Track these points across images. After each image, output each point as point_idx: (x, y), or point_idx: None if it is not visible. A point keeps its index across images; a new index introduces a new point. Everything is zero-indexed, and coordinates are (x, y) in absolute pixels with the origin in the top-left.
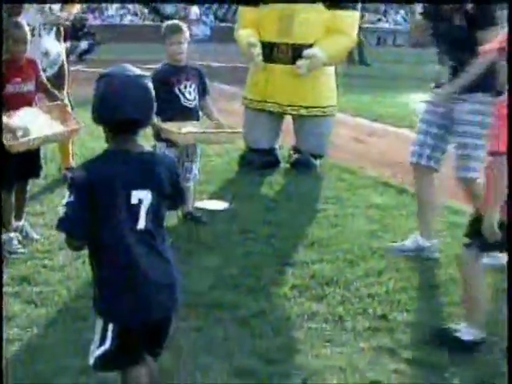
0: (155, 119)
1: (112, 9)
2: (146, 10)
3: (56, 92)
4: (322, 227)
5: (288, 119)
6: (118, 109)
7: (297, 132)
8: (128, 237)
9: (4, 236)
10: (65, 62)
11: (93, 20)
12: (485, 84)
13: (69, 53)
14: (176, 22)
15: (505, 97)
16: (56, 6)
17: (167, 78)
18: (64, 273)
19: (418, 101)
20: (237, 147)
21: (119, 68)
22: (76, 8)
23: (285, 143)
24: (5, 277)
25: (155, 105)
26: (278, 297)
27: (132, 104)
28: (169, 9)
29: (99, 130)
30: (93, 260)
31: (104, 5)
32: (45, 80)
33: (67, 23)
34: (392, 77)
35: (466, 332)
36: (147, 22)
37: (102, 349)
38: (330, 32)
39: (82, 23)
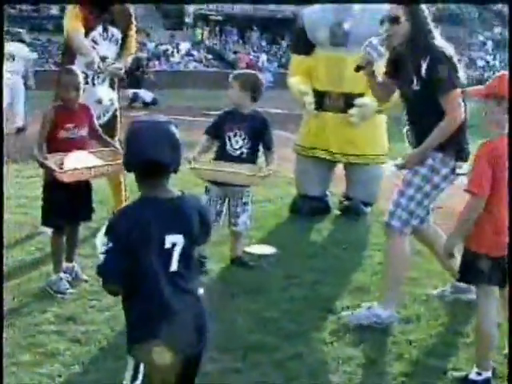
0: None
1: (178, 55)
2: (210, 57)
3: (109, 139)
4: (367, 274)
5: (340, 166)
6: (141, 151)
7: (347, 179)
8: (161, 280)
9: (54, 276)
10: (117, 110)
11: (158, 66)
12: (447, 145)
13: (132, 101)
14: (244, 71)
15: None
16: (111, 56)
17: (221, 123)
18: (110, 313)
19: (390, 166)
20: (289, 193)
21: (147, 117)
22: (130, 58)
23: (336, 190)
24: (50, 315)
25: (182, 149)
26: (317, 341)
27: (155, 146)
28: (232, 56)
29: None
30: (126, 303)
31: (170, 51)
32: (98, 127)
33: (121, 73)
34: None
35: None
36: (211, 69)
37: None
38: None
39: (142, 70)
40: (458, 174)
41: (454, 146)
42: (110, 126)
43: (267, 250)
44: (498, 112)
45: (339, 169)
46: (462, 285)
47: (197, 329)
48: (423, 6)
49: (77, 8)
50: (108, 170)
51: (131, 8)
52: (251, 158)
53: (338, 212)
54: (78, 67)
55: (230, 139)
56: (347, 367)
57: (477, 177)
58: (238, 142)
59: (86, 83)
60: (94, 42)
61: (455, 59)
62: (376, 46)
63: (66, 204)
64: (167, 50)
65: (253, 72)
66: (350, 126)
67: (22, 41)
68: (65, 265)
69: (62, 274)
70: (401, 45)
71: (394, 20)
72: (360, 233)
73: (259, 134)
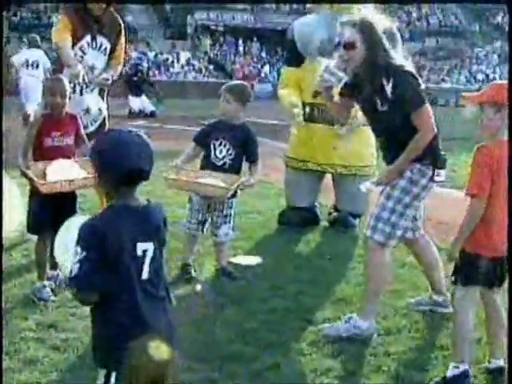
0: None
1: (178, 65)
2: (211, 67)
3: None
4: (350, 285)
5: (328, 177)
6: (125, 160)
7: (336, 191)
8: (135, 288)
9: (38, 284)
10: (106, 120)
11: (158, 76)
12: (423, 155)
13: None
14: (235, 82)
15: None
16: (99, 65)
17: (208, 132)
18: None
19: (367, 183)
20: (280, 205)
21: (116, 129)
22: (119, 68)
23: (325, 201)
24: (31, 323)
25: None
26: (295, 352)
27: (136, 155)
28: (233, 66)
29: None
30: (97, 312)
31: (169, 61)
32: (84, 136)
33: (109, 83)
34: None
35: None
36: (211, 79)
37: None
38: None
39: (142, 77)
40: (437, 182)
41: (431, 155)
42: (98, 135)
43: (253, 260)
44: (497, 119)
45: (328, 180)
46: (440, 299)
47: (167, 337)
48: (376, 28)
49: (66, 18)
50: (88, 183)
51: (130, 17)
52: (235, 168)
53: (327, 223)
54: (65, 76)
55: (214, 148)
56: (325, 379)
57: (476, 179)
58: (221, 152)
59: (74, 92)
60: (82, 51)
61: (415, 74)
62: (333, 70)
63: (50, 212)
64: (167, 59)
65: (243, 83)
66: (338, 138)
67: (39, 47)
68: (50, 272)
69: (45, 282)
70: (358, 68)
71: (350, 45)
72: (347, 244)
73: (244, 144)
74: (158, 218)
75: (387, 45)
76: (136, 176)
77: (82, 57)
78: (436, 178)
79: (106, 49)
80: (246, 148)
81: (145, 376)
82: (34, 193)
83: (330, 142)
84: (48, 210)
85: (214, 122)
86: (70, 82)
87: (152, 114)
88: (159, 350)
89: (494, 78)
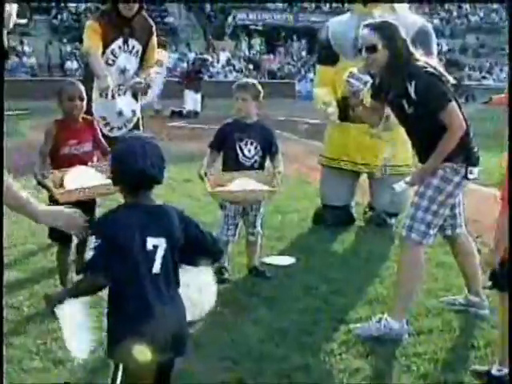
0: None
1: (218, 65)
2: (250, 67)
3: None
4: (384, 285)
5: (364, 176)
6: (133, 165)
7: (371, 190)
8: (143, 280)
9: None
10: (140, 121)
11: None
12: (456, 153)
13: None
14: (247, 80)
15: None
16: (131, 68)
17: (229, 133)
18: None
19: (401, 184)
20: (315, 204)
21: (130, 135)
22: (151, 71)
23: (361, 200)
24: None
25: (164, 164)
26: (325, 352)
27: (149, 162)
28: (273, 66)
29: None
30: (108, 304)
31: (210, 61)
32: (102, 140)
33: (142, 86)
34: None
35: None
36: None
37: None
38: None
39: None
40: (471, 179)
41: (463, 153)
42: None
43: (286, 260)
44: None
45: (364, 178)
46: (476, 299)
47: (176, 332)
48: (400, 30)
49: (96, 22)
50: (106, 190)
51: (171, 18)
52: (262, 165)
53: (362, 223)
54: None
55: (241, 149)
56: (353, 379)
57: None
58: (250, 151)
59: (106, 96)
60: (114, 55)
61: (440, 73)
62: (358, 75)
63: None
64: (207, 59)
65: (253, 80)
66: (373, 137)
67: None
68: (75, 277)
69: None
70: (382, 71)
71: (371, 49)
72: (382, 244)
73: (266, 139)
74: (171, 217)
75: (411, 46)
76: (146, 181)
77: (114, 60)
78: (469, 176)
79: (137, 51)
80: (268, 142)
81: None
82: (53, 200)
83: (366, 142)
84: None
85: (229, 123)
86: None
87: (196, 114)
88: (142, 352)
89: None
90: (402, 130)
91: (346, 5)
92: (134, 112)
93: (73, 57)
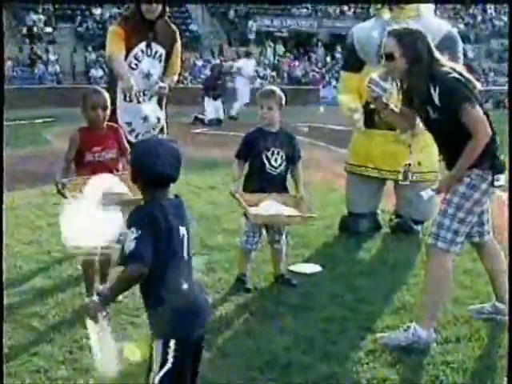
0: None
1: None
2: (274, 74)
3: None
4: (411, 293)
5: (390, 182)
6: (154, 165)
7: (397, 197)
8: (180, 264)
9: (87, 299)
10: (165, 128)
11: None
12: (482, 160)
13: (196, 119)
14: (271, 87)
15: None
16: (155, 73)
17: (255, 142)
18: (148, 329)
19: (428, 191)
20: (341, 212)
21: (150, 137)
22: (175, 77)
23: (387, 207)
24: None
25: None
26: (352, 361)
27: (165, 161)
28: (297, 72)
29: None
30: (148, 288)
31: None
32: (128, 147)
33: (166, 91)
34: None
35: None
36: (276, 85)
37: (165, 370)
38: None
39: (223, 82)
40: (497, 187)
41: (489, 160)
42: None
43: (312, 268)
44: None
45: (390, 185)
46: (503, 306)
47: (207, 310)
48: (423, 36)
49: (118, 27)
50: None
51: (194, 25)
52: (286, 174)
53: (388, 230)
54: (122, 87)
55: (268, 159)
56: None
57: None
58: (277, 161)
59: (130, 101)
60: (137, 59)
61: (466, 75)
62: (378, 81)
63: None
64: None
65: (276, 88)
66: (399, 144)
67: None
68: (101, 286)
69: (94, 298)
70: (403, 78)
71: (390, 57)
72: (409, 251)
73: (292, 149)
74: (185, 207)
75: (435, 52)
76: (163, 180)
77: (137, 65)
78: (496, 183)
79: (161, 55)
80: (292, 151)
81: None
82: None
83: (392, 148)
84: None
85: (254, 132)
86: (123, 95)
87: (219, 121)
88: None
89: None
90: (428, 136)
91: (371, 10)
92: (158, 119)
93: (97, 64)
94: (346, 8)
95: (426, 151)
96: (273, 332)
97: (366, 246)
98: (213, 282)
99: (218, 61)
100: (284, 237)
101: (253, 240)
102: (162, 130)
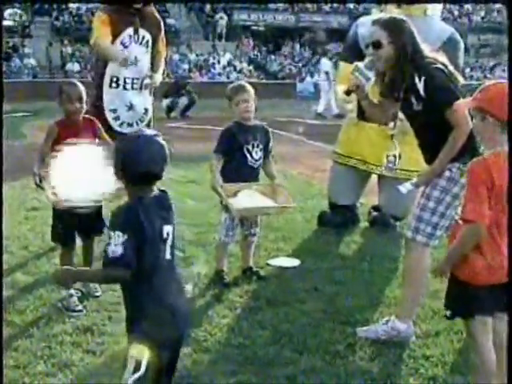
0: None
1: (219, 66)
2: (251, 68)
3: None
4: (390, 287)
5: (373, 177)
6: (138, 162)
7: (380, 191)
8: (162, 267)
9: (64, 292)
10: (151, 121)
11: (199, 77)
12: (463, 154)
13: (170, 109)
14: (240, 82)
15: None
16: (142, 58)
17: (235, 137)
18: None
19: (407, 185)
20: (320, 206)
21: (135, 131)
22: (162, 65)
23: (366, 201)
24: (68, 327)
25: (168, 159)
26: (332, 355)
27: (152, 159)
28: (274, 67)
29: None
30: (128, 290)
31: (211, 62)
32: (106, 137)
33: (157, 83)
34: None
35: None
36: (252, 80)
37: (138, 374)
38: None
39: (185, 82)
40: None
41: (470, 154)
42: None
43: (291, 262)
44: (484, 127)
45: (371, 179)
46: None
47: (186, 314)
48: (406, 24)
49: (104, 14)
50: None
51: (171, 20)
52: (261, 167)
53: (367, 224)
54: (109, 72)
55: (249, 152)
56: (360, 382)
57: (475, 203)
58: (257, 153)
59: (117, 87)
60: (123, 44)
61: (450, 68)
62: (362, 70)
63: (75, 219)
64: (208, 60)
65: (246, 82)
66: (388, 139)
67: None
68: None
69: (72, 291)
70: (389, 68)
71: (377, 45)
72: (388, 245)
73: (268, 142)
74: (170, 203)
75: (419, 43)
76: (147, 178)
77: (124, 50)
78: None
79: (148, 42)
80: (268, 144)
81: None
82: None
83: (380, 142)
84: (71, 219)
85: (233, 127)
86: (113, 77)
87: (191, 103)
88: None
89: None
90: None
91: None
92: (146, 110)
93: (74, 58)
94: (322, 1)
95: (414, 149)
96: (252, 326)
97: (345, 240)
98: (192, 277)
99: (194, 56)
100: (258, 229)
101: (232, 233)
102: (149, 124)
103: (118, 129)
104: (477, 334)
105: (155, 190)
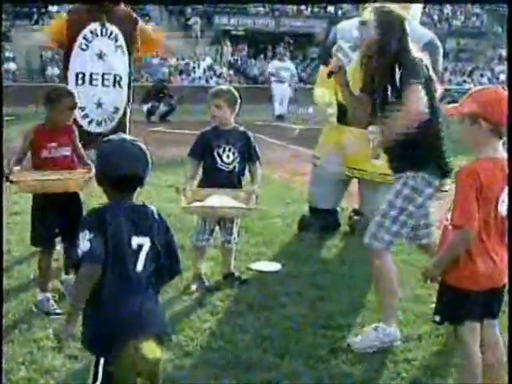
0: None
1: (199, 70)
2: (231, 72)
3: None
4: (372, 291)
5: (354, 181)
6: (117, 167)
7: (360, 196)
8: (127, 277)
9: (40, 296)
10: (126, 124)
11: (180, 81)
12: (428, 163)
13: (150, 113)
14: (222, 86)
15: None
16: (108, 52)
17: (208, 141)
18: None
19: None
20: (299, 209)
21: (116, 136)
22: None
23: (347, 205)
24: (50, 332)
25: (149, 166)
26: (314, 359)
27: (130, 162)
28: (254, 71)
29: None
30: (90, 298)
31: (191, 67)
32: (80, 148)
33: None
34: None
35: None
36: (233, 84)
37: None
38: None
39: (163, 86)
40: (443, 191)
41: (436, 163)
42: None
43: (272, 266)
44: (474, 132)
45: (352, 183)
46: None
47: (158, 330)
48: (395, 17)
49: (68, 14)
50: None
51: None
52: (242, 172)
53: (347, 228)
54: (73, 69)
55: (219, 155)
56: None
57: (464, 208)
58: (229, 157)
59: (83, 83)
60: (86, 39)
61: (431, 73)
62: (345, 50)
63: (53, 223)
64: (189, 64)
65: (230, 87)
66: (368, 143)
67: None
68: (63, 276)
69: (48, 294)
70: (371, 52)
71: (363, 23)
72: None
73: (245, 146)
74: (155, 217)
75: (405, 33)
76: (128, 184)
77: (87, 45)
78: (442, 188)
79: (116, 35)
80: (247, 149)
81: (134, 370)
82: (36, 206)
83: (361, 147)
84: (51, 222)
85: (207, 131)
86: (79, 73)
87: (171, 109)
88: (151, 348)
89: None
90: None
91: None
92: (116, 109)
93: (53, 62)
94: (303, 7)
95: None
96: (234, 330)
97: (327, 244)
98: (172, 281)
99: (174, 59)
100: (235, 236)
101: (203, 237)
102: (121, 125)
103: (88, 127)
104: (465, 339)
105: (134, 200)
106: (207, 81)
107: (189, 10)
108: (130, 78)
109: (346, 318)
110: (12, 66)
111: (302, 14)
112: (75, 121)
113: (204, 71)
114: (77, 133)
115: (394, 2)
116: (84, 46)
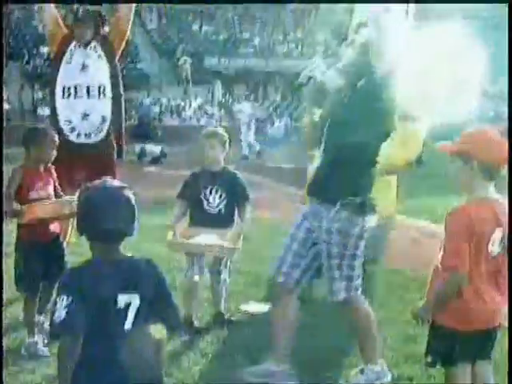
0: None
1: (190, 110)
2: (222, 112)
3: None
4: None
5: None
6: (97, 220)
7: None
8: (114, 337)
9: (27, 339)
10: (113, 140)
11: (171, 120)
12: (350, 200)
13: (140, 156)
14: (215, 128)
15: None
16: (91, 63)
17: (195, 182)
18: None
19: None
20: None
21: (100, 181)
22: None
23: None
24: (38, 375)
25: (136, 215)
26: None
27: (110, 215)
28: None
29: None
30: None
31: (181, 106)
32: (58, 188)
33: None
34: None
35: None
36: (223, 124)
37: None
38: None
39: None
40: (368, 228)
41: (358, 200)
42: (102, 152)
43: (262, 308)
44: (466, 172)
45: None
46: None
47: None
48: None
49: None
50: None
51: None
52: (230, 214)
53: None
54: (60, 84)
55: (206, 197)
56: None
57: (455, 249)
58: (215, 199)
59: (68, 96)
60: (70, 52)
61: None
62: (319, 64)
63: (37, 268)
64: (179, 104)
65: (220, 128)
66: None
67: None
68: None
69: (36, 337)
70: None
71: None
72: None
73: (233, 188)
74: (143, 271)
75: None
76: (111, 237)
77: (71, 57)
78: (367, 225)
79: (95, 46)
80: (235, 189)
81: None
82: (20, 248)
83: None
84: (35, 266)
85: (196, 173)
86: (65, 88)
87: (162, 155)
88: None
89: None
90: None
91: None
92: (104, 118)
93: (44, 103)
94: (293, 46)
95: (382, 191)
96: (223, 371)
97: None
98: None
99: (165, 100)
100: (226, 278)
101: (192, 269)
102: (108, 132)
103: (76, 140)
104: (457, 381)
105: (121, 253)
106: (198, 120)
107: (180, 49)
108: (117, 86)
109: (331, 362)
110: (5, 105)
111: (291, 55)
112: (62, 133)
113: (195, 111)
114: (56, 177)
115: (394, 2)
116: (69, 60)
